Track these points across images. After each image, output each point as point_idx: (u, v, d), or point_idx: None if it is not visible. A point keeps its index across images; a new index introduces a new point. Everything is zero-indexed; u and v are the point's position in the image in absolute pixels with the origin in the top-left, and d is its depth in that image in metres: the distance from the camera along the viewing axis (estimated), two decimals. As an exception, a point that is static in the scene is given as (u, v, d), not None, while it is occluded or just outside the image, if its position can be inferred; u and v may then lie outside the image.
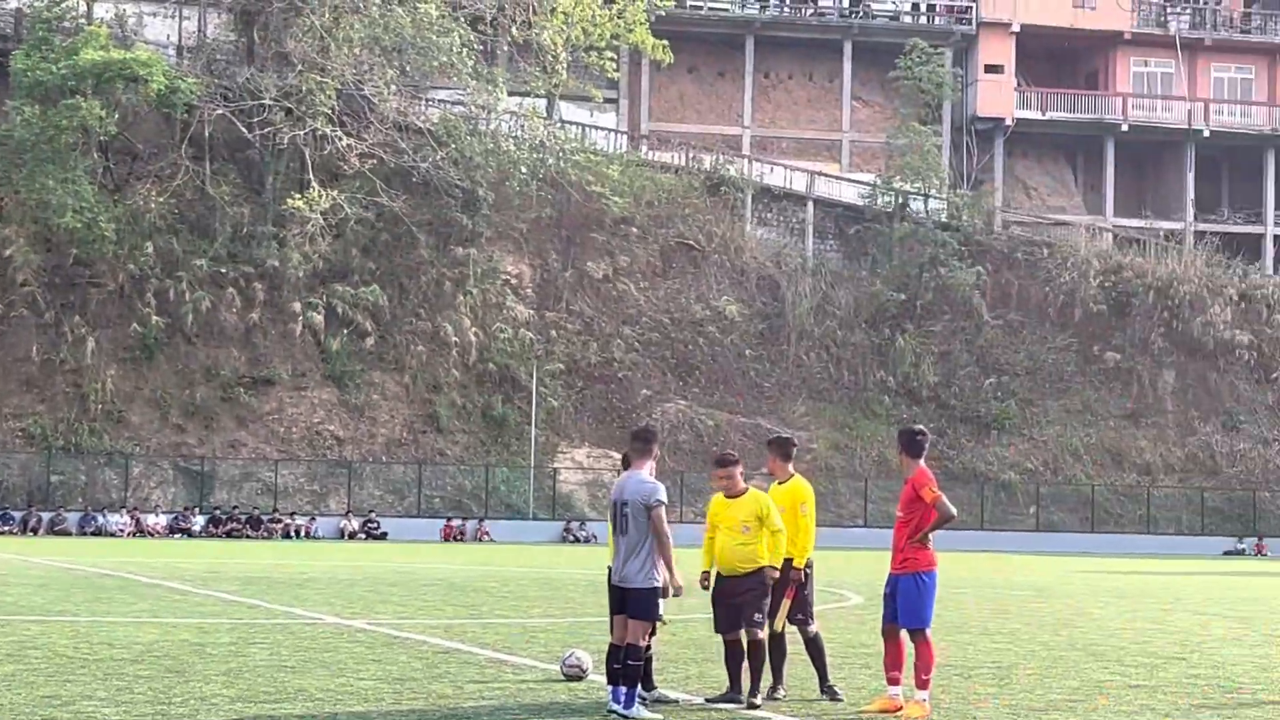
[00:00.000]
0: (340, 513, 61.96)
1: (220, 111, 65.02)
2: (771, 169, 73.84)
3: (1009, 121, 77.81)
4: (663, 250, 70.41)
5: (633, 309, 68.84)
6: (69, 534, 58.01)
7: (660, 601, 12.40)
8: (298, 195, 64.43)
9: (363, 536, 60.30)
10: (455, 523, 62.14)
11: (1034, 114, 78.36)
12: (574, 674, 14.43)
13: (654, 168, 71.74)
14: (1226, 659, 17.92)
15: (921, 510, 12.67)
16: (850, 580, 33.42)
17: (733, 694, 12.96)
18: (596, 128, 73.16)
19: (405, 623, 20.98)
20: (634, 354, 67.81)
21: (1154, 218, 78.63)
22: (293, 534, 60.56)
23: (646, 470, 12.56)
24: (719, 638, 13.16)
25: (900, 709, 12.69)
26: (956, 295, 71.49)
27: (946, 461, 67.50)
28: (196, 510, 61.24)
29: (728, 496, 13.13)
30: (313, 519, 61.51)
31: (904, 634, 12.83)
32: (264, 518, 60.98)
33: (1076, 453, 70.05)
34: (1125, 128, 78.20)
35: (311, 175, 65.33)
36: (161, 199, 65.11)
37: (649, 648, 12.67)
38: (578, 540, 60.57)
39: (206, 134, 65.44)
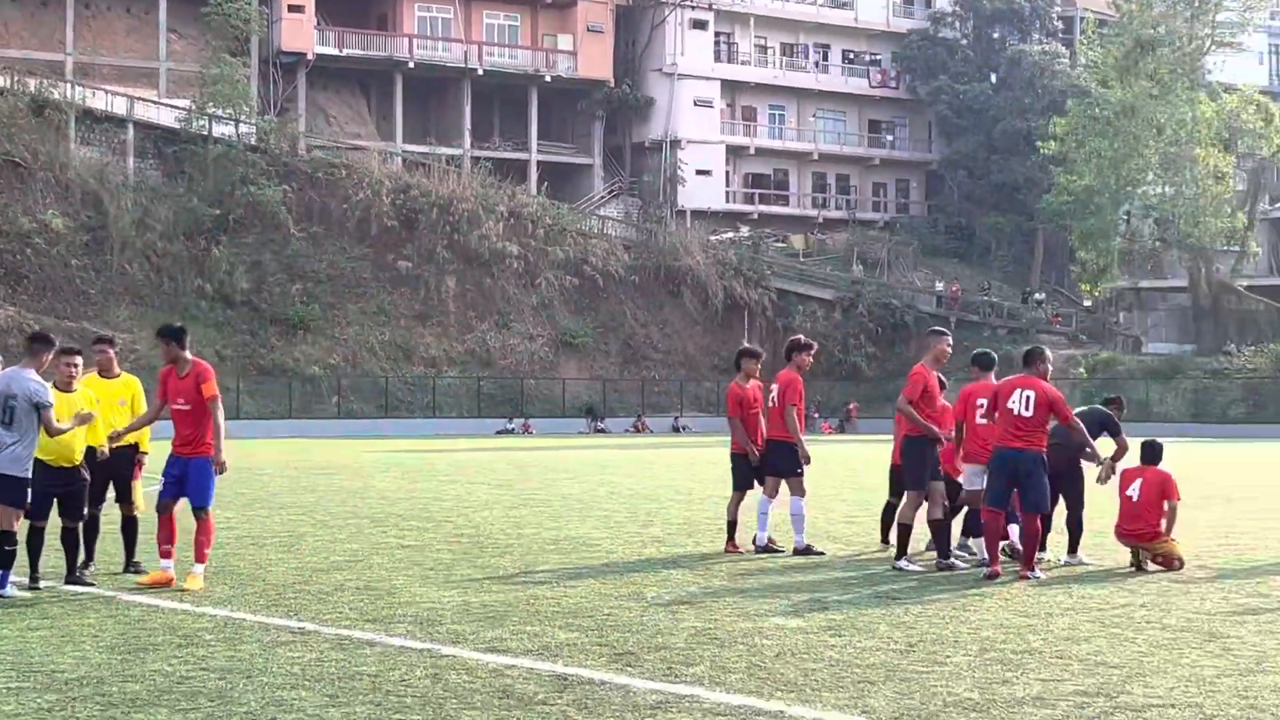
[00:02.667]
0: None
1: None
2: (94, 93, 77.72)
3: (310, 56, 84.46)
4: (-9, 167, 73.14)
5: (-48, 221, 71.30)
6: None
7: (28, 491, 12.78)
8: None
9: None
10: None
11: (333, 50, 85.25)
12: None
13: (-14, 92, 73.97)
14: (485, 519, 20.18)
15: (202, 402, 13.52)
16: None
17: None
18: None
19: None
20: (-36, 264, 70.45)
21: (437, 144, 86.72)
22: None
23: (33, 370, 12.95)
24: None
25: (172, 581, 13.28)
26: (266, 210, 76.96)
27: (259, 359, 74.42)
28: None
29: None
30: None
31: (176, 511, 13.58)
32: None
33: (373, 349, 77.04)
34: (412, 65, 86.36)
35: None
36: None
37: (30, 532, 13.14)
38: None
39: None
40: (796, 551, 16.44)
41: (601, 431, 74.79)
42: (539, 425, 74.91)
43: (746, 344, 17.56)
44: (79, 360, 13.85)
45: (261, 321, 75.60)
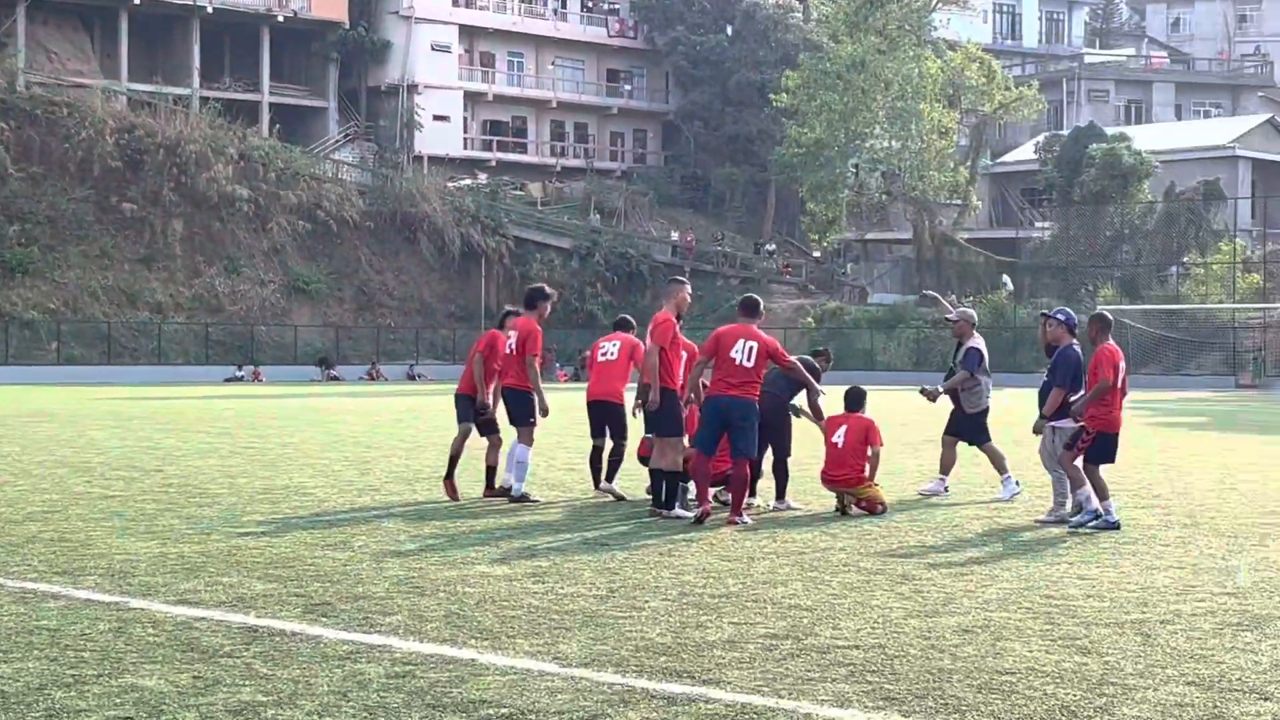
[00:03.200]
0: None
1: None
2: None
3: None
4: None
5: None
6: None
7: None
8: None
9: None
10: None
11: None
12: None
13: None
14: (197, 469, 19.79)
15: None
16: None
17: None
18: None
19: None
20: None
21: (164, 84, 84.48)
22: None
23: None
24: None
25: None
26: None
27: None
28: None
29: None
30: None
31: None
32: None
33: (95, 293, 74.91)
34: (137, 1, 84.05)
35: None
36: None
37: None
38: None
39: None
40: (513, 499, 16.41)
41: (335, 379, 73.86)
42: (270, 373, 73.77)
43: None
44: None
45: (-20, 264, 72.89)
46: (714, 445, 14.82)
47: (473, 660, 8.24)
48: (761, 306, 15.36)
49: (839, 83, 79.48)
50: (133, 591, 10.33)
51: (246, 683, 7.67)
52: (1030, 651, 8.63)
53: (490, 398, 16.81)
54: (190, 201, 78.80)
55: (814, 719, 7.11)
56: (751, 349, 14.66)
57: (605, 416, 16.92)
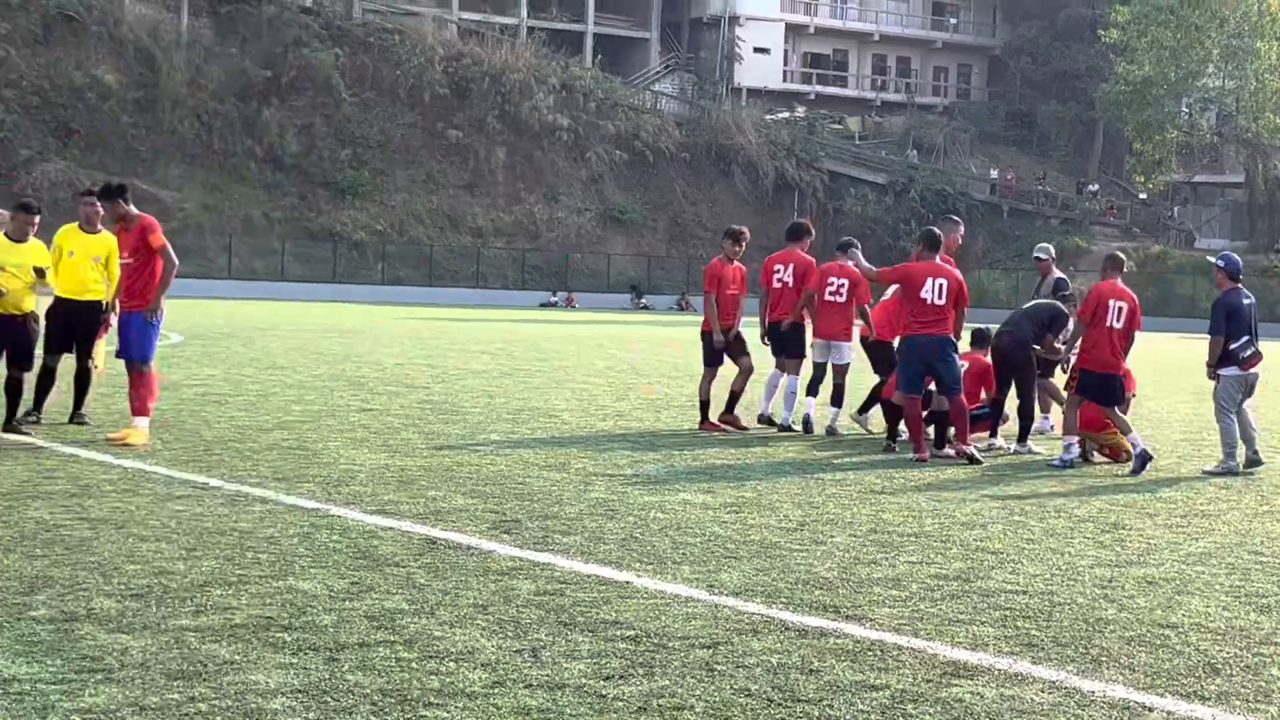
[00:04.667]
0: None
1: None
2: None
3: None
4: (44, 19, 73.28)
5: (13, 74, 71.67)
6: None
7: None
8: None
9: None
10: None
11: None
12: None
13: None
14: (461, 389, 19.98)
15: (148, 255, 13.62)
16: (194, 322, 39.18)
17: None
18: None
19: None
20: (15, 116, 70.97)
21: (493, 13, 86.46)
22: None
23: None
24: None
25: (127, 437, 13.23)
26: (318, 74, 77.20)
27: (306, 223, 74.73)
28: None
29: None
30: None
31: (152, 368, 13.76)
32: None
33: (420, 217, 77.49)
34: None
35: None
36: None
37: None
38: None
39: None
40: (784, 428, 16.51)
41: (645, 308, 74.74)
42: (583, 300, 75.03)
43: (734, 226, 17.41)
44: (95, 202, 13.93)
45: (310, 185, 76.06)
46: (920, 385, 14.63)
47: (627, 583, 8.31)
48: (941, 238, 15.05)
49: (1171, 18, 76.60)
50: (338, 500, 10.70)
51: (398, 591, 7.88)
52: (1206, 607, 8.28)
53: (728, 329, 16.74)
54: (513, 129, 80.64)
55: (938, 660, 6.97)
56: (941, 286, 14.41)
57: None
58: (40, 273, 13.50)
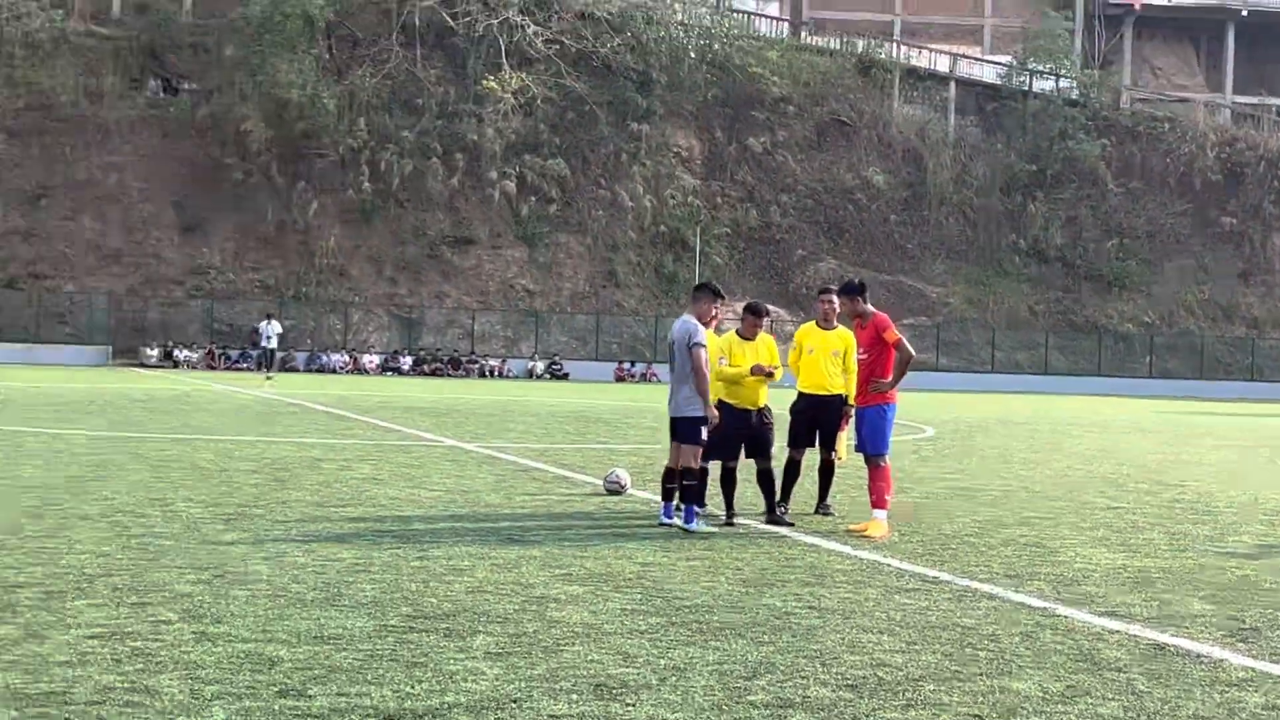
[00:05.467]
0: (528, 356, 69.91)
1: (428, 3, 73.14)
2: (919, 52, 79.97)
3: (1137, 6, 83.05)
4: (817, 126, 77.04)
5: (789, 178, 75.72)
6: (297, 370, 66.22)
7: (703, 429, 13.30)
8: (492, 77, 72.39)
9: (547, 376, 68.25)
10: (626, 365, 69.83)
11: (1161, 0, 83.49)
12: (613, 489, 15.96)
13: (811, 51, 78.34)
14: (1212, 487, 18.75)
15: (883, 350, 13.87)
16: (953, 416, 39.36)
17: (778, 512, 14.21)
18: (762, 15, 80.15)
19: (511, 446, 22.51)
20: (790, 219, 74.80)
21: (1269, 95, 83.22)
22: (487, 373, 68.88)
23: (694, 315, 13.60)
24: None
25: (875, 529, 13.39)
26: (1083, 165, 76.90)
27: (1071, 315, 74.21)
28: (406, 352, 69.74)
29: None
30: (505, 361, 69.73)
31: (887, 461, 13.82)
32: (463, 359, 69.49)
33: (1190, 308, 75.54)
34: (1245, 12, 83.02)
35: (505, 60, 73.21)
36: (376, 79, 73.54)
37: (704, 470, 13.48)
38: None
39: (416, 23, 73.75)
40: None
41: None
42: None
43: None
44: (834, 299, 14.45)
45: (1075, 277, 75.66)
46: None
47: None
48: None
49: None
50: (1067, 599, 10.43)
51: (1115, 697, 7.57)
52: None
53: None
54: (1290, 214, 76.93)
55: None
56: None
57: None
58: (758, 371, 13.90)
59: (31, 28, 71.58)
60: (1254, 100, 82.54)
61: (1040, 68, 78.90)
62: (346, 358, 68.45)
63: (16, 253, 67.72)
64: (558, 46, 74.28)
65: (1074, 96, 79.25)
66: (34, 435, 22.37)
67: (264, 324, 54.80)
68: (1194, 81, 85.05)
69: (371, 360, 68.86)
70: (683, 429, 13.36)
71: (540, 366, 69.32)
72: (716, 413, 13.41)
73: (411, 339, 70.62)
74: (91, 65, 72.13)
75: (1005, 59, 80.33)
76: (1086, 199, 77.13)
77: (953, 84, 79.29)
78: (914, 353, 14.19)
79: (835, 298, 14.52)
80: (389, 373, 67.66)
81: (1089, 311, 74.44)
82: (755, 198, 75.44)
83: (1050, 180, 76.85)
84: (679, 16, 76.84)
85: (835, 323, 14.74)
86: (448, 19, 73.39)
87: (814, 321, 14.88)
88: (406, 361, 69.08)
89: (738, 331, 14.25)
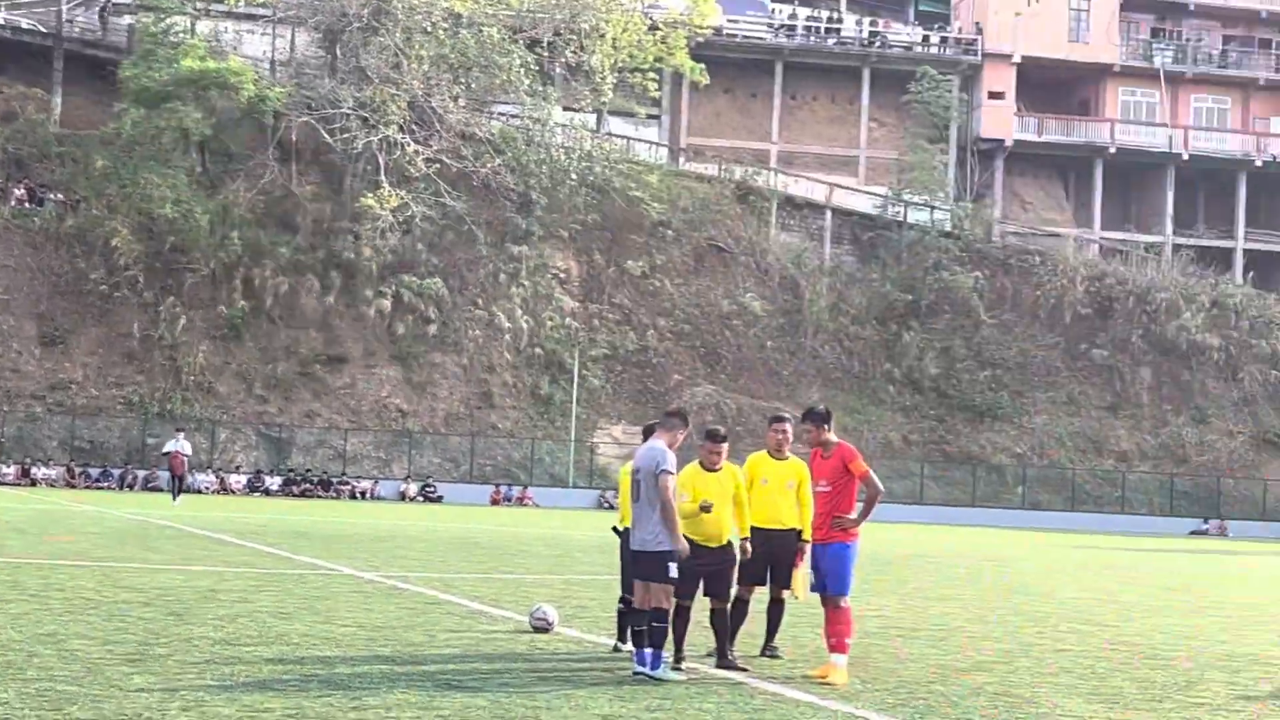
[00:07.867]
0: (401, 477, 68.29)
1: (304, 119, 72.07)
2: (795, 180, 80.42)
3: (1009, 142, 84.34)
4: (695, 251, 76.84)
5: (667, 302, 75.28)
6: (160, 490, 63.74)
7: (671, 565, 12.29)
8: (371, 195, 71.30)
9: (420, 499, 66.54)
10: (503, 488, 68.39)
11: (1031, 136, 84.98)
12: (540, 627, 15.05)
13: (690, 177, 78.52)
14: (1155, 626, 18.82)
15: (848, 482, 13.06)
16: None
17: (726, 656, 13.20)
18: (640, 140, 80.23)
19: (413, 575, 21.72)
20: (667, 342, 74.25)
21: (1136, 231, 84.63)
22: (358, 495, 66.98)
23: (663, 443, 12.61)
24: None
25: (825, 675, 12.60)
26: (957, 296, 77.40)
27: (945, 445, 74.28)
28: (273, 472, 67.71)
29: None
30: (376, 482, 67.88)
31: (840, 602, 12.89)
32: (334, 480, 67.53)
33: (1061, 440, 75.81)
34: (1113, 150, 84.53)
35: (384, 177, 72.14)
36: (250, 195, 72.11)
37: (676, 611, 12.60)
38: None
39: (293, 138, 72.66)
40: None
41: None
42: (1236, 528, 70.93)
43: None
44: (787, 428, 13.79)
45: (949, 408, 75.80)
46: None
47: None
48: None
49: None
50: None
51: None
52: None
53: None
54: (1158, 349, 78.29)
55: None
56: None
57: None
58: (704, 508, 12.86)
59: (-106, 133, 69.58)
60: (1122, 235, 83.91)
61: (914, 199, 79.66)
62: (213, 477, 66.42)
63: None
64: (438, 165, 73.42)
65: (948, 228, 79.96)
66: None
67: (174, 442, 50.75)
68: (1063, 216, 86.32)
69: (238, 481, 66.85)
70: (649, 565, 12.34)
71: (413, 489, 67.66)
72: (686, 545, 12.40)
73: (280, 458, 68.69)
74: (-46, 172, 70.17)
75: (881, 189, 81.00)
76: (960, 329, 77.54)
77: (829, 213, 79.77)
78: (882, 488, 13.38)
79: (788, 426, 13.79)
80: (256, 493, 65.64)
81: (962, 442, 74.55)
82: (633, 321, 74.93)
83: (925, 310, 77.26)
84: (560, 139, 76.59)
85: (788, 452, 14.00)
86: (325, 135, 72.36)
87: (765, 451, 14.06)
88: (275, 482, 67.17)
89: (700, 462, 13.24)
